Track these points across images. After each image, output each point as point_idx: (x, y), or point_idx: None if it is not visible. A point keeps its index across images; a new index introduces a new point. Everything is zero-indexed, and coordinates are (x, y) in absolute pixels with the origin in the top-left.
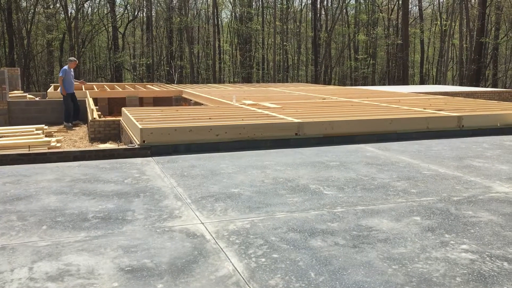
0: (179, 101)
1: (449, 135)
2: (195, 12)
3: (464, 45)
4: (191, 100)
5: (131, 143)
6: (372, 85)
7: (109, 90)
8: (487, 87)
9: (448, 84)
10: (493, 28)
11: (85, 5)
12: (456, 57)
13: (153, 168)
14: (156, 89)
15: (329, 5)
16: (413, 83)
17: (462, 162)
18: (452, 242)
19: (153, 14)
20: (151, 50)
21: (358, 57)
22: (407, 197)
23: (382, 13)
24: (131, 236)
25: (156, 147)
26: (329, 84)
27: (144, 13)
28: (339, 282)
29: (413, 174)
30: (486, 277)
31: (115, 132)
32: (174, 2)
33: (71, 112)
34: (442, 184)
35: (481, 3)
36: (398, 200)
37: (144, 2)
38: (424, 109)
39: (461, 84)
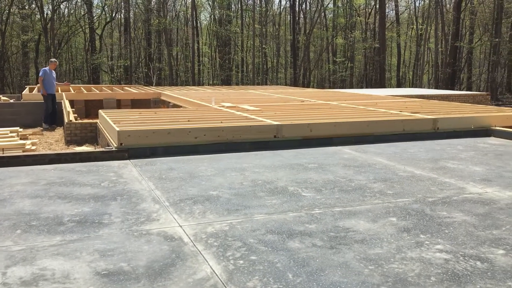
0: (158, 103)
1: (425, 137)
2: (174, 14)
3: (440, 49)
4: (169, 102)
5: (108, 146)
6: (350, 88)
7: (86, 92)
8: (462, 90)
9: (424, 87)
10: (467, 33)
11: (61, 6)
12: (432, 60)
13: (130, 171)
14: (134, 91)
15: (308, 8)
16: (390, 86)
17: (437, 164)
18: (427, 242)
19: (131, 15)
20: (129, 52)
21: (337, 60)
22: (383, 198)
23: (359, 17)
24: (107, 239)
25: (134, 149)
26: (308, 86)
27: (122, 15)
28: (316, 283)
29: (390, 175)
30: (459, 276)
31: (92, 134)
32: (152, 3)
33: (48, 114)
34: (417, 185)
35: (456, 8)
36: (375, 201)
37: (122, 3)
38: (400, 111)
39: (436, 87)
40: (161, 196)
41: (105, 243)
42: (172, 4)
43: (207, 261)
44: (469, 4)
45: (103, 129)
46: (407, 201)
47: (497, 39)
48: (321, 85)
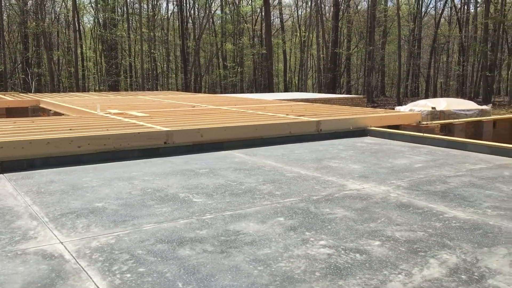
0: (37, 111)
1: (310, 138)
2: (54, 17)
3: (321, 55)
4: (50, 110)
5: None
6: (240, 92)
7: None
8: (342, 93)
9: (308, 91)
10: (345, 40)
11: None
12: (315, 66)
13: (4, 186)
14: (9, 99)
15: (196, 14)
16: (278, 90)
17: (321, 163)
18: (312, 239)
19: (4, 17)
20: (3, 56)
21: (227, 65)
22: (272, 199)
23: (247, 24)
24: None
25: (8, 162)
26: (200, 92)
27: None
28: None
29: (278, 177)
30: (341, 269)
31: None
32: (28, 5)
33: None
34: (303, 185)
35: (334, 17)
36: (264, 202)
37: None
38: (287, 115)
39: (319, 91)
40: (40, 211)
41: None
42: (51, 6)
43: (91, 278)
44: (345, 14)
45: None
46: (293, 201)
47: (371, 47)
48: (212, 90)
